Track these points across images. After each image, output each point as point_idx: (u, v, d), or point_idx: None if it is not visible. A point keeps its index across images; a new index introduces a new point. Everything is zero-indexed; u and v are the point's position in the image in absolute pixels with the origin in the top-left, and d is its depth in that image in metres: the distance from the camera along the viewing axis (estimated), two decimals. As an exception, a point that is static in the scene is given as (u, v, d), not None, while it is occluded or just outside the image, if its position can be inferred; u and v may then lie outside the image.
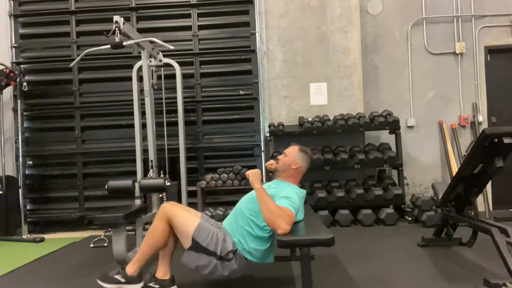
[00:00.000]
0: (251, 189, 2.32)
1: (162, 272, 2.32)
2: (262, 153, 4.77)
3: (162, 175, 3.87)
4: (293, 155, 2.41)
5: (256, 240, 2.23)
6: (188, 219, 2.26)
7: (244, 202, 2.36)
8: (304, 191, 2.39)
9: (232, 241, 2.24)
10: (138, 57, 4.48)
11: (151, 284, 2.28)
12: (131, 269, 2.30)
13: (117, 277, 2.28)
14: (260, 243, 2.24)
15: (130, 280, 2.28)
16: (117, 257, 2.99)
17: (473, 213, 2.83)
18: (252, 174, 2.21)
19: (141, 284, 2.32)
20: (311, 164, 2.52)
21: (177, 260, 2.39)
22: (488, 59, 5.05)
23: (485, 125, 5.00)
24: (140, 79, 3.98)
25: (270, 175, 2.44)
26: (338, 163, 4.38)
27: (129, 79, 4.22)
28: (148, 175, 3.60)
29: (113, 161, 4.83)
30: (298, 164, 2.39)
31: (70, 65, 3.90)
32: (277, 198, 2.14)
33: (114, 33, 3.13)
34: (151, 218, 3.39)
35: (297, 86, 4.83)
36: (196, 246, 2.20)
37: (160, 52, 4.14)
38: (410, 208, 4.39)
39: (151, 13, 4.93)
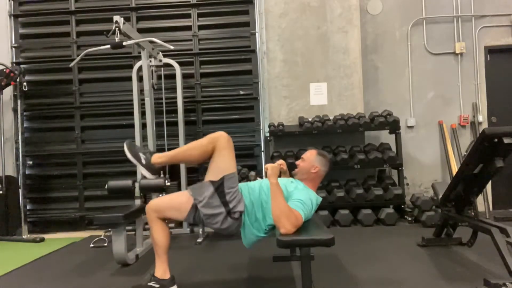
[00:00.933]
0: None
1: (161, 271, 2.31)
2: (262, 153, 4.77)
3: (162, 175, 3.88)
4: (311, 159, 2.41)
5: (256, 222, 2.24)
6: (231, 160, 2.27)
7: (263, 187, 2.31)
8: (320, 199, 2.37)
9: (244, 204, 2.24)
10: (138, 57, 4.48)
11: (151, 284, 2.28)
12: (159, 272, 2.29)
13: (152, 284, 2.26)
14: (257, 227, 2.25)
15: (165, 284, 2.27)
16: (117, 257, 3.00)
17: (473, 213, 2.83)
18: (272, 168, 2.19)
19: (175, 287, 2.32)
20: (330, 168, 2.51)
21: (177, 260, 2.40)
22: (488, 59, 5.05)
23: (485, 125, 5.00)
24: (140, 79, 3.99)
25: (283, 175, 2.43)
26: (338, 163, 4.38)
27: (129, 79, 4.23)
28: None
29: (113, 161, 4.83)
30: (317, 168, 2.39)
31: (70, 65, 3.91)
32: (291, 198, 2.14)
33: (114, 33, 3.13)
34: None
35: (297, 86, 4.83)
36: (219, 186, 2.21)
37: (160, 52, 4.15)
38: (410, 208, 4.39)
39: (151, 13, 4.93)
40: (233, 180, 2.24)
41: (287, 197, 2.16)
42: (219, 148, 2.26)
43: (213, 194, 2.21)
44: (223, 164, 2.25)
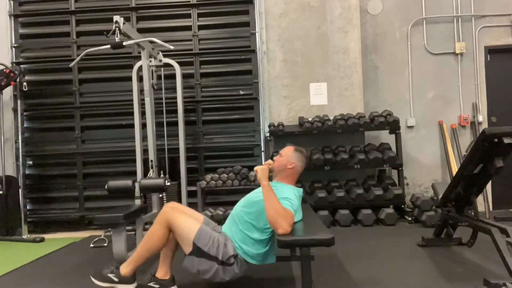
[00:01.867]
0: (251, 189, 2.33)
1: (163, 272, 2.32)
2: (262, 153, 4.77)
3: (162, 175, 3.87)
4: (289, 155, 2.41)
5: (256, 243, 2.24)
6: (188, 223, 2.24)
7: (242, 206, 2.35)
8: (301, 190, 2.38)
9: (233, 245, 2.24)
10: (138, 57, 4.48)
11: (151, 284, 2.28)
12: (125, 269, 2.29)
13: (111, 276, 2.28)
14: (260, 246, 2.24)
15: (123, 280, 2.27)
16: (117, 257, 2.99)
17: (473, 213, 2.83)
18: (261, 170, 2.20)
19: (134, 285, 2.31)
20: (308, 163, 2.51)
21: (177, 260, 2.40)
22: (488, 59, 5.05)
23: (485, 125, 5.00)
24: (140, 79, 3.98)
25: (270, 174, 2.43)
26: (338, 163, 4.38)
27: (129, 79, 4.22)
28: (148, 175, 3.60)
29: (113, 161, 4.83)
30: (294, 164, 2.38)
31: (70, 65, 3.90)
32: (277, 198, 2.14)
33: (114, 33, 3.13)
34: (151, 218, 3.39)
35: (297, 86, 4.83)
36: (197, 251, 2.19)
37: (160, 52, 4.14)
38: (410, 208, 4.39)
39: (151, 13, 4.93)
40: (202, 236, 2.20)
41: None
42: (170, 223, 2.22)
43: (199, 261, 2.19)
44: (185, 231, 2.22)
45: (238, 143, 4.81)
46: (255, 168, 2.26)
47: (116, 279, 2.26)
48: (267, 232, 2.22)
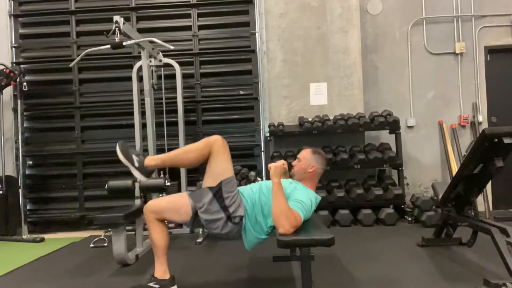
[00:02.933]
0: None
1: (161, 271, 2.31)
2: (262, 153, 4.76)
3: (162, 175, 3.87)
4: (307, 158, 2.40)
5: (257, 225, 2.23)
6: (227, 164, 2.27)
7: (263, 189, 2.32)
8: (319, 198, 2.36)
9: (244, 209, 2.24)
10: (138, 57, 4.48)
11: (151, 284, 2.28)
12: (159, 273, 2.28)
13: (151, 284, 2.26)
14: (259, 229, 2.24)
15: (165, 284, 2.26)
16: (117, 257, 3.00)
17: (473, 213, 2.83)
18: (275, 168, 2.17)
19: (175, 287, 2.31)
20: (327, 165, 2.50)
21: (177, 260, 2.40)
22: (488, 59, 5.05)
23: (485, 125, 5.00)
24: (140, 79, 3.98)
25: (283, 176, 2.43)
26: (338, 163, 4.38)
27: (129, 79, 4.22)
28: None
29: (113, 161, 4.81)
30: (314, 167, 2.38)
31: (70, 65, 3.91)
32: (291, 199, 2.14)
33: (114, 33, 3.13)
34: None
35: (297, 86, 4.83)
36: (218, 192, 2.20)
37: (160, 52, 4.14)
38: (410, 208, 4.39)
39: (151, 13, 4.93)
40: (231, 184, 2.23)
41: (287, 198, 2.15)
42: (215, 153, 2.24)
43: (212, 200, 2.20)
44: (220, 168, 2.24)
45: (238, 143, 4.81)
46: (269, 165, 2.24)
47: (157, 286, 2.25)
48: (268, 224, 2.22)
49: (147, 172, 2.33)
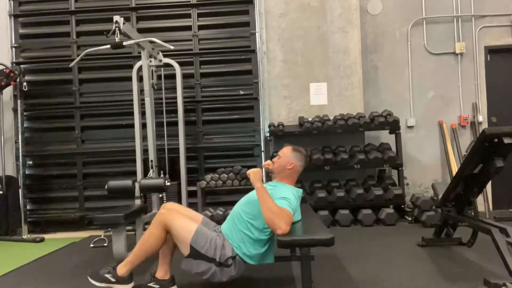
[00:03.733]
0: (251, 189, 2.32)
1: (162, 272, 2.32)
2: (262, 153, 4.77)
3: (162, 175, 3.87)
4: (287, 155, 2.40)
5: (255, 243, 2.23)
6: (185, 225, 2.21)
7: (241, 205, 2.35)
8: (300, 191, 2.38)
9: (231, 247, 2.24)
10: (138, 57, 4.48)
11: (151, 284, 2.28)
12: (122, 270, 2.28)
13: (108, 276, 2.27)
14: (259, 246, 2.24)
15: (120, 280, 2.26)
16: (117, 257, 2.99)
17: (473, 213, 2.83)
18: (254, 173, 2.20)
19: (131, 285, 2.31)
20: (307, 163, 2.50)
21: (176, 260, 2.39)
22: (488, 59, 5.05)
23: (485, 125, 5.00)
24: (140, 79, 3.98)
25: (270, 175, 2.43)
26: (338, 163, 4.38)
27: (129, 79, 4.22)
28: (148, 175, 3.60)
29: (113, 161, 4.83)
30: (293, 164, 2.38)
31: (70, 65, 3.91)
32: (275, 199, 2.13)
33: (114, 33, 3.13)
34: (151, 218, 3.38)
35: (297, 86, 4.83)
36: (195, 253, 2.18)
37: (160, 52, 4.14)
38: (410, 208, 4.39)
39: (151, 13, 4.93)
40: (200, 237, 2.19)
41: None
42: (169, 225, 2.21)
43: (197, 263, 2.19)
44: (182, 233, 2.20)
45: (238, 143, 4.81)
46: (247, 172, 2.25)
47: (113, 279, 2.26)
48: (266, 232, 2.22)
49: (127, 279, 2.30)
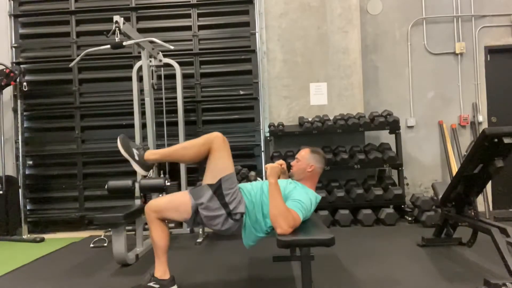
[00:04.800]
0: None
1: (161, 271, 2.31)
2: (262, 153, 4.77)
3: (162, 175, 3.88)
4: (306, 158, 2.39)
5: (256, 223, 2.22)
6: (228, 161, 2.25)
7: (264, 187, 2.30)
8: (319, 197, 2.35)
9: (245, 205, 2.23)
10: (138, 57, 4.48)
11: (151, 284, 2.27)
12: (159, 273, 2.28)
13: (151, 284, 2.25)
14: (259, 228, 2.23)
15: (165, 284, 2.26)
16: (117, 257, 3.00)
17: (473, 213, 2.83)
18: (271, 168, 2.19)
19: (175, 287, 2.31)
20: (326, 164, 2.49)
21: (177, 260, 2.40)
22: (488, 59, 5.05)
23: (485, 125, 5.00)
24: (140, 79, 3.99)
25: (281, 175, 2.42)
26: (338, 163, 4.38)
27: (129, 79, 4.23)
28: (148, 175, 3.59)
29: (113, 161, 4.83)
30: (313, 166, 2.37)
31: (70, 65, 3.90)
32: (290, 199, 2.14)
33: (114, 33, 3.13)
34: (151, 218, 3.39)
35: (297, 86, 4.83)
36: (218, 189, 2.19)
37: (160, 52, 4.14)
38: (410, 208, 4.39)
39: (151, 13, 4.93)
40: (231, 181, 2.22)
41: (286, 197, 2.15)
42: (215, 149, 2.24)
43: (212, 197, 2.20)
44: (220, 165, 2.24)
45: (238, 143, 4.81)
46: (266, 165, 2.25)
47: (157, 286, 2.24)
48: (267, 223, 2.21)
49: (146, 166, 2.34)
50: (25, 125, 4.87)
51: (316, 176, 2.43)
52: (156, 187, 3.24)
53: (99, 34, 3.84)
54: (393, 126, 4.49)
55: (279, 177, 2.28)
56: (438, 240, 3.27)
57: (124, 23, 3.16)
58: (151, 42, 3.66)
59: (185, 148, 2.34)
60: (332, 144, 4.67)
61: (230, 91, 4.88)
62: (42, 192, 4.87)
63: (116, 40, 3.16)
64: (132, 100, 4.07)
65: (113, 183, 3.19)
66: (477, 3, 5.04)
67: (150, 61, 3.96)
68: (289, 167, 2.49)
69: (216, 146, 2.25)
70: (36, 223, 4.79)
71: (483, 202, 4.51)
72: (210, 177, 2.25)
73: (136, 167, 2.33)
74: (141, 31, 4.28)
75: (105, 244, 3.79)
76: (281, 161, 2.48)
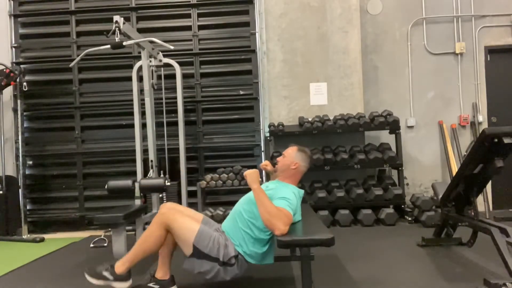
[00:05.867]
0: (250, 189, 2.32)
1: (162, 272, 2.31)
2: (262, 153, 4.77)
3: (162, 175, 3.88)
4: (292, 156, 2.41)
5: (256, 242, 2.23)
6: (187, 225, 2.20)
7: (242, 204, 2.34)
8: (302, 191, 2.38)
9: (233, 245, 2.23)
10: (138, 57, 4.48)
11: (151, 285, 2.28)
12: (120, 268, 2.25)
13: (105, 273, 2.23)
14: (260, 245, 2.23)
15: (118, 278, 2.23)
16: (117, 257, 2.99)
17: (473, 213, 2.83)
18: (250, 175, 2.20)
19: (129, 283, 2.28)
20: (311, 164, 2.50)
21: (176, 259, 2.39)
22: (488, 59, 5.05)
23: (485, 125, 5.00)
24: (140, 79, 3.99)
25: (271, 175, 2.44)
26: (338, 163, 4.38)
27: (129, 79, 4.23)
28: (148, 175, 3.60)
29: (113, 161, 4.83)
30: (297, 164, 2.38)
31: (70, 65, 3.91)
32: (274, 198, 2.14)
33: (114, 33, 3.13)
34: (151, 218, 3.38)
35: (297, 86, 4.83)
36: (198, 253, 2.17)
37: (160, 52, 4.14)
38: (410, 208, 4.39)
39: (151, 13, 4.93)
40: (202, 237, 2.17)
41: (270, 197, 2.15)
42: (168, 225, 2.19)
43: (200, 262, 2.18)
44: (184, 235, 2.19)
45: (238, 143, 4.81)
46: (244, 173, 2.25)
47: (111, 277, 2.22)
48: (266, 232, 2.21)
49: (124, 277, 2.27)
50: (25, 125, 4.88)
51: (299, 174, 2.43)
52: (156, 187, 3.24)
53: (99, 34, 3.85)
54: (393, 126, 4.49)
55: (269, 177, 2.28)
56: (438, 240, 3.27)
57: (124, 23, 3.16)
58: (151, 42, 3.66)
59: (146, 242, 2.24)
60: (332, 144, 4.67)
61: (230, 91, 4.88)
62: (42, 192, 4.87)
63: (116, 40, 3.16)
64: (132, 100, 4.07)
65: (113, 183, 3.20)
66: (477, 3, 5.03)
67: (150, 61, 3.96)
68: (274, 163, 2.50)
69: (168, 221, 2.19)
70: (36, 223, 4.79)
71: (483, 202, 4.51)
72: (185, 249, 2.22)
73: (117, 285, 2.25)
74: (141, 31, 4.28)
75: (105, 244, 3.79)
76: (265, 162, 2.51)
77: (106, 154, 4.83)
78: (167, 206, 2.33)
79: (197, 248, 2.16)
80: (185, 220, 2.22)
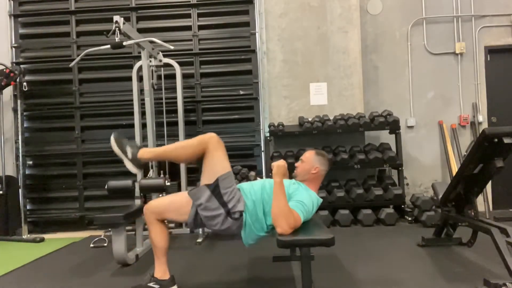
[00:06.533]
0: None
1: (161, 271, 2.31)
2: (262, 153, 4.77)
3: (162, 175, 3.87)
4: (311, 160, 2.40)
5: (257, 221, 2.21)
6: (223, 160, 2.27)
7: (268, 187, 2.28)
8: (320, 200, 2.36)
9: (244, 204, 2.22)
10: (138, 57, 4.48)
11: (151, 284, 2.27)
12: (159, 273, 2.28)
13: (151, 284, 2.25)
14: (259, 226, 2.22)
15: (164, 284, 2.26)
16: (117, 257, 3.00)
17: (473, 213, 2.83)
18: (278, 167, 2.17)
19: (176, 287, 2.30)
20: (330, 166, 2.50)
21: (177, 260, 2.40)
22: (488, 59, 5.05)
23: (485, 125, 5.00)
24: (140, 79, 3.99)
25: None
26: (338, 163, 4.38)
27: (129, 79, 4.22)
28: (148, 175, 3.60)
29: (113, 161, 4.82)
30: (317, 168, 2.38)
31: (70, 65, 3.90)
32: (292, 199, 2.13)
33: (114, 33, 3.13)
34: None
35: (297, 86, 4.83)
36: (215, 188, 2.19)
37: (160, 52, 4.14)
38: (410, 208, 4.39)
39: (151, 13, 4.93)
40: (228, 180, 2.23)
41: (289, 197, 2.15)
42: (211, 150, 2.25)
43: (210, 196, 2.20)
44: (216, 165, 2.24)
45: (238, 143, 4.81)
46: (272, 164, 2.23)
47: (157, 286, 2.24)
48: (271, 224, 2.21)
49: (139, 164, 2.34)
50: (25, 125, 4.87)
51: (320, 179, 2.43)
52: (156, 187, 3.24)
53: (99, 34, 3.84)
54: (393, 126, 4.49)
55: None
56: (438, 240, 3.27)
57: (124, 23, 3.15)
58: (151, 42, 3.66)
59: (180, 148, 2.36)
60: (332, 144, 4.67)
61: (230, 91, 4.88)
62: (42, 192, 4.87)
63: (116, 40, 3.16)
64: (132, 100, 4.06)
65: (113, 183, 3.19)
66: (477, 3, 5.04)
67: (150, 61, 3.96)
68: (292, 168, 2.49)
69: (211, 146, 2.26)
70: (36, 223, 4.79)
71: (483, 202, 4.51)
72: (207, 177, 2.25)
73: (128, 165, 2.34)
74: (141, 31, 4.28)
75: (105, 244, 3.79)
76: (283, 161, 2.49)
77: (106, 154, 4.82)
78: (214, 135, 2.36)
79: (219, 184, 2.20)
80: (224, 155, 2.29)
